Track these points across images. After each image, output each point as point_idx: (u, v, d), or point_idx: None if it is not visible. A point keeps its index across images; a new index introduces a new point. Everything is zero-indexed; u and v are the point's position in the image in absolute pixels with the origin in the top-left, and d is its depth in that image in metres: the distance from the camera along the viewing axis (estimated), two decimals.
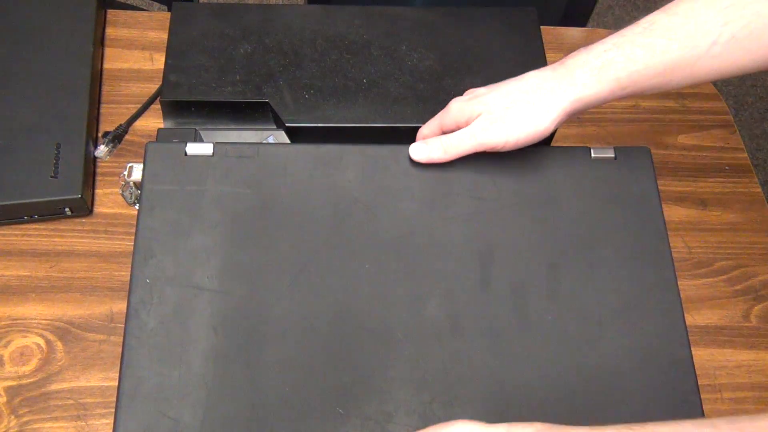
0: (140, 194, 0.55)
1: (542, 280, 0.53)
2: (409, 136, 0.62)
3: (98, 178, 0.70)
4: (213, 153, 0.56)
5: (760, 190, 0.76)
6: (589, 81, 0.53)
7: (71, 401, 0.59)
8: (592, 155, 0.58)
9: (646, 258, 0.55)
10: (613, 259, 0.55)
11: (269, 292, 0.52)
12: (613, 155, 0.58)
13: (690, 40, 0.52)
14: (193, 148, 0.56)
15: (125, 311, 0.50)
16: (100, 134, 0.72)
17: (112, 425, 0.47)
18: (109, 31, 0.80)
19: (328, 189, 0.56)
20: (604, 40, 0.55)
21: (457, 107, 0.57)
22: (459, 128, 0.57)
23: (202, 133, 0.69)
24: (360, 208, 0.55)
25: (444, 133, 0.59)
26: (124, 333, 0.50)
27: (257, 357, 0.50)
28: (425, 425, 0.47)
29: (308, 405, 0.49)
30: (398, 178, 0.57)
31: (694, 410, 0.50)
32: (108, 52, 0.78)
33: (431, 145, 0.57)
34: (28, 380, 0.60)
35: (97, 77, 0.74)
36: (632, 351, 0.52)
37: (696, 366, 0.52)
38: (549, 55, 0.74)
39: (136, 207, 0.67)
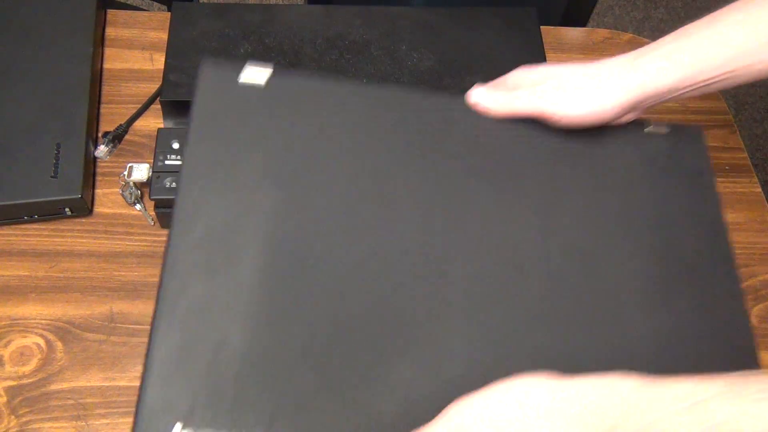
0: (191, 113, 0.51)
1: (598, 248, 0.53)
2: None
3: (98, 178, 0.70)
4: (266, 83, 0.53)
5: (760, 190, 0.76)
6: (659, 65, 0.53)
7: (71, 401, 0.59)
8: (645, 129, 0.58)
9: (701, 229, 0.55)
10: (667, 229, 0.54)
11: (324, 222, 0.50)
12: (666, 131, 0.58)
13: (752, 29, 0.52)
14: (247, 75, 0.53)
15: (165, 243, 0.46)
16: (100, 134, 0.72)
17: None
18: (109, 31, 0.80)
19: (386, 131, 0.54)
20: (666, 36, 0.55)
21: (521, 73, 0.56)
22: None
23: None
24: (418, 154, 0.53)
25: None
26: (168, 240, 0.46)
27: (310, 283, 0.47)
28: (475, 373, 0.45)
29: (360, 341, 0.47)
30: (459, 131, 0.55)
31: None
32: (108, 52, 0.78)
33: (495, 91, 0.56)
34: (28, 380, 0.60)
35: (97, 77, 0.74)
36: (690, 320, 0.51)
37: None
38: (549, 55, 0.74)
39: (137, 207, 0.68)
